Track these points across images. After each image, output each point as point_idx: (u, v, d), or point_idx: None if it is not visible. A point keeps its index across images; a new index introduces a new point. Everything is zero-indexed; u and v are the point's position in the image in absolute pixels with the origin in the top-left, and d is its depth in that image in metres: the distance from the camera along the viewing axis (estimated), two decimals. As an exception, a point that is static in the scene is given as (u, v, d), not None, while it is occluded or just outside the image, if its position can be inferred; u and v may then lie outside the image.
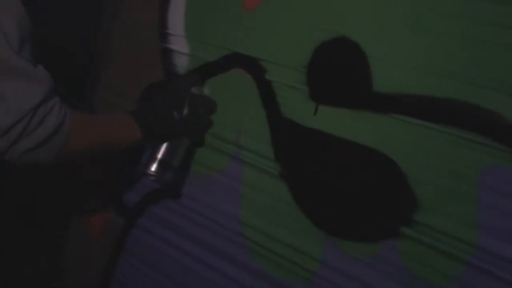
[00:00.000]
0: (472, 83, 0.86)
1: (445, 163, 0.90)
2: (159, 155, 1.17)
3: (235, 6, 1.15)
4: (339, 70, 1.02)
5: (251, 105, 1.15)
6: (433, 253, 0.93)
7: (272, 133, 1.13)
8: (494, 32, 0.83)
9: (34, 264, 1.57)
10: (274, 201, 1.13)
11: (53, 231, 1.63)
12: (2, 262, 1.25)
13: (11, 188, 1.38)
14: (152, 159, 1.17)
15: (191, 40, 1.25)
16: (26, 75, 0.82)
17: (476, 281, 0.89)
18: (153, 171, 1.17)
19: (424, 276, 0.94)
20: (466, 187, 0.88)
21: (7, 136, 0.80)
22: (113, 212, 1.48)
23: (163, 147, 1.16)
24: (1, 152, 0.81)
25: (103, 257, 1.51)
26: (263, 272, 1.16)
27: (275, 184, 1.12)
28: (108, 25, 1.43)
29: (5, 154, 0.82)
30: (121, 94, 1.39)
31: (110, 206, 1.49)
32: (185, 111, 1.11)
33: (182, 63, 1.27)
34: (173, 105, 1.11)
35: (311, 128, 1.06)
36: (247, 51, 1.15)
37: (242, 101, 1.16)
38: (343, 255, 1.04)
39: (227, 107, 1.19)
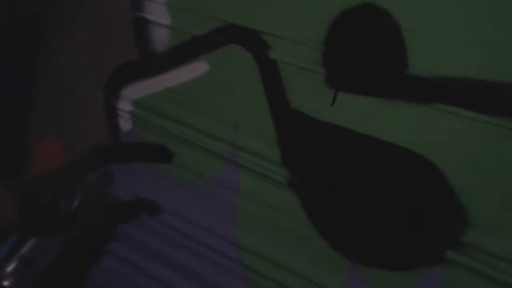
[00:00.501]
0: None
1: (504, 168, 0.88)
2: (23, 251, 1.14)
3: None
4: (364, 47, 0.99)
5: (251, 93, 1.12)
6: (486, 284, 0.91)
7: (277, 130, 1.10)
8: None
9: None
10: (280, 217, 1.10)
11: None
12: None
13: None
14: (12, 255, 1.13)
15: (173, 8, 1.23)
16: None
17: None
18: (9, 272, 1.12)
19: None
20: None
21: None
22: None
23: (31, 241, 1.14)
24: None
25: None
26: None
27: (282, 195, 1.10)
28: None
29: None
30: (86, 81, 1.37)
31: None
32: (75, 202, 1.13)
33: (161, 38, 1.25)
34: (63, 192, 1.13)
35: (328, 122, 1.03)
36: (245, 22, 1.12)
37: (238, 88, 1.14)
38: (371, 285, 1.02)
39: (219, 96, 1.16)
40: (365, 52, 0.99)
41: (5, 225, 1.04)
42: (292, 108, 1.08)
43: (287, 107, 1.08)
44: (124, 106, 1.32)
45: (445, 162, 0.93)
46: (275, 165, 1.10)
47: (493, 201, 0.89)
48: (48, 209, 1.08)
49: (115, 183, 1.34)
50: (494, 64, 0.86)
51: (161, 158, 1.27)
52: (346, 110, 1.02)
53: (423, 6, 0.92)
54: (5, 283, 1.11)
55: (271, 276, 1.12)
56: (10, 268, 1.11)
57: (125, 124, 1.33)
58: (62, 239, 1.14)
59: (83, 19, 1.38)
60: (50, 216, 1.08)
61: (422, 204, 0.95)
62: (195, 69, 1.20)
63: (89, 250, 1.25)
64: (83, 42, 1.38)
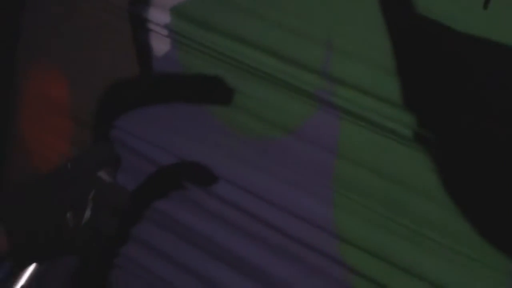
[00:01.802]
0: None
1: None
2: (23, 282, 1.12)
3: None
4: None
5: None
6: None
7: (396, 51, 1.07)
8: None
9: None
10: (403, 191, 1.08)
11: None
12: None
13: None
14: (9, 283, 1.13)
15: None
16: None
17: None
18: None
19: None
20: None
21: None
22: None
23: (32, 268, 1.12)
24: None
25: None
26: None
27: (405, 155, 1.08)
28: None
29: None
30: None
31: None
32: (87, 214, 1.09)
33: None
34: (67, 202, 1.07)
35: (479, 37, 1.00)
36: None
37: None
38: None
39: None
40: None
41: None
42: (418, 13, 1.03)
43: (411, 13, 1.04)
44: (158, 16, 1.30)
45: None
46: (393, 108, 1.06)
47: None
48: (49, 227, 1.10)
49: (151, 139, 1.34)
50: None
51: (215, 98, 1.25)
52: (508, 16, 0.97)
53: None
54: None
55: (384, 283, 1.10)
56: None
57: (160, 44, 1.31)
58: (72, 261, 1.15)
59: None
60: (53, 237, 1.10)
61: None
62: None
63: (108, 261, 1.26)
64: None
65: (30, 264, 1.11)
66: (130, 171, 1.39)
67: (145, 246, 1.35)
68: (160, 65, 1.32)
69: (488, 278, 1.03)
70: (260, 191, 1.23)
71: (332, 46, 1.12)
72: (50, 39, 1.41)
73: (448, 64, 1.03)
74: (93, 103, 1.39)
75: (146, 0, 1.30)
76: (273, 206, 1.20)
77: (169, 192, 1.33)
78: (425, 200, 1.07)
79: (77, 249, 1.11)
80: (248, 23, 1.20)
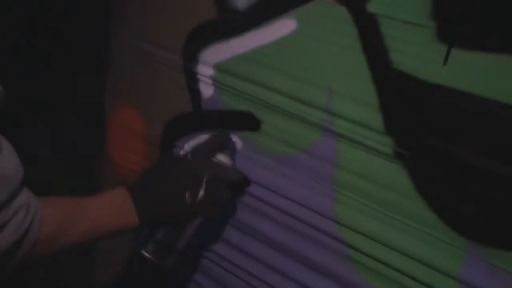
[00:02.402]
0: None
1: None
2: (159, 236, 1.08)
3: None
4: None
5: (346, 52, 1.02)
6: None
7: (379, 94, 1.00)
8: None
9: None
10: (386, 192, 1.01)
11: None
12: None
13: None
14: (150, 238, 1.09)
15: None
16: None
17: None
18: (150, 255, 1.09)
19: None
20: None
21: None
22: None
23: (166, 228, 1.09)
24: None
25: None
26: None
27: (386, 167, 1.00)
28: None
29: None
30: (161, 44, 1.30)
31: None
32: (201, 193, 1.04)
33: (240, -6, 1.15)
34: (187, 184, 1.04)
35: (440, 85, 0.92)
36: (337, -28, 1.00)
37: (332, 47, 1.03)
38: (492, 270, 0.92)
39: (310, 57, 1.06)
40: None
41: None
42: (396, 68, 0.96)
43: (390, 68, 0.97)
44: (205, 70, 1.23)
45: None
46: (377, 133, 1.00)
47: None
48: (171, 205, 1.04)
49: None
50: None
51: (247, 127, 1.18)
52: (463, 70, 0.89)
53: None
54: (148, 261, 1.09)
55: (374, 255, 1.03)
56: (150, 249, 1.09)
57: (207, 90, 1.24)
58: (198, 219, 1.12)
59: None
60: (174, 212, 1.05)
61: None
62: (281, 28, 1.10)
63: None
64: (156, 0, 1.30)
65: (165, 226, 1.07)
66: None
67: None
68: (207, 105, 1.25)
69: (449, 253, 0.96)
70: (282, 191, 1.16)
71: (333, 90, 1.05)
72: (129, 85, 1.36)
73: (417, 102, 0.95)
74: (160, 130, 1.32)
75: (196, 60, 1.23)
76: (291, 201, 1.14)
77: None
78: (401, 197, 1.00)
79: (192, 219, 1.09)
80: (271, 75, 1.13)
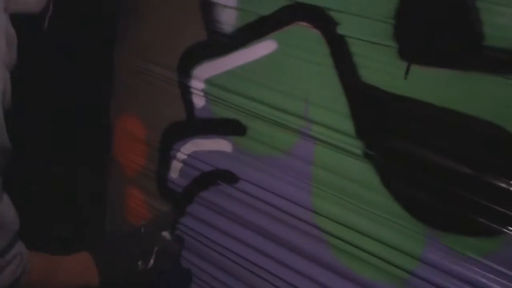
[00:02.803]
0: None
1: None
2: None
3: None
4: (438, 17, 0.84)
5: (320, 68, 0.99)
6: None
7: (350, 104, 0.97)
8: None
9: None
10: (356, 186, 0.98)
11: (90, 219, 1.56)
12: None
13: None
14: None
15: (238, -10, 1.09)
16: None
17: None
18: None
19: None
20: None
21: None
22: (157, 198, 1.37)
23: None
24: None
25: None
26: (344, 270, 1.03)
27: (358, 166, 0.98)
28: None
29: None
30: (159, 62, 1.26)
31: (153, 190, 1.39)
32: (151, 262, 1.06)
33: (229, 19, 1.11)
34: (140, 254, 1.05)
35: (401, 95, 0.90)
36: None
37: (308, 64, 1.00)
38: (449, 252, 0.90)
39: (289, 72, 1.03)
40: (437, 23, 0.84)
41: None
42: (363, 82, 0.94)
43: (358, 81, 0.94)
44: (197, 84, 1.20)
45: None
46: (349, 137, 0.98)
47: None
48: (127, 270, 1.05)
49: (196, 156, 1.23)
50: None
51: (235, 132, 1.15)
52: (420, 83, 0.88)
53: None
54: None
55: (348, 239, 1.01)
56: None
57: (199, 101, 1.21)
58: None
59: (152, 2, 1.25)
60: (128, 277, 1.06)
61: (504, 173, 0.80)
62: (263, 48, 1.07)
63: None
64: (153, 25, 1.26)
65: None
66: (182, 174, 1.30)
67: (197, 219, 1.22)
68: (199, 113, 1.21)
69: (411, 238, 0.94)
70: (266, 186, 1.13)
71: (309, 101, 1.01)
72: (132, 98, 1.32)
73: (383, 110, 0.93)
74: (158, 135, 1.28)
75: (190, 75, 1.20)
76: (274, 195, 1.11)
77: (208, 187, 1.21)
78: (370, 191, 0.98)
79: (143, 283, 1.08)
80: (255, 88, 1.10)
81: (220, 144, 1.20)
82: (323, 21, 0.97)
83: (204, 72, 1.18)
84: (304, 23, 1.00)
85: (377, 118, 0.94)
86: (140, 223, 1.20)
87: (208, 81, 1.17)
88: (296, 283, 1.10)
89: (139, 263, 1.05)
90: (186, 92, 1.23)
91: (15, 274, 0.78)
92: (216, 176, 1.22)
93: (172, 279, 1.29)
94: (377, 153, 0.95)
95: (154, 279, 1.10)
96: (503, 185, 0.82)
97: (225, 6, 1.10)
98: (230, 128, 1.16)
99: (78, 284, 0.98)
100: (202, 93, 1.19)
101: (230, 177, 1.18)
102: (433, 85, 0.87)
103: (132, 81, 1.33)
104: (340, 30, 0.95)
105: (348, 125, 0.98)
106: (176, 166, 1.30)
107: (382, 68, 0.92)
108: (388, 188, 0.95)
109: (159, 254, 1.08)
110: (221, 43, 1.13)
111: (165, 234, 1.14)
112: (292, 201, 1.09)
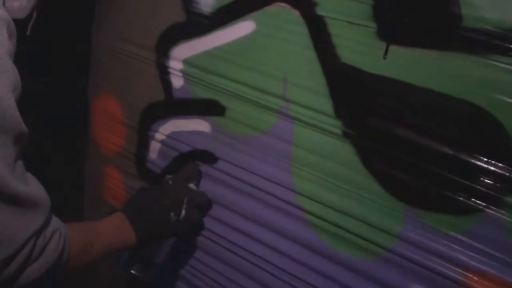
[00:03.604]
0: None
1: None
2: (143, 253, 1.14)
3: None
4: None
5: (299, 49, 0.98)
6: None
7: (328, 84, 0.97)
8: None
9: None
10: (336, 166, 0.99)
11: (68, 200, 1.54)
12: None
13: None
14: (134, 256, 1.13)
15: (217, -30, 1.07)
16: (20, 201, 0.71)
17: None
18: (135, 272, 1.16)
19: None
20: None
21: (6, 270, 0.71)
22: (136, 178, 1.36)
23: (150, 245, 1.11)
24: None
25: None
26: (326, 248, 1.04)
27: (337, 145, 0.98)
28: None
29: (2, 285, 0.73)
30: (138, 43, 1.23)
31: (131, 171, 1.37)
32: (183, 212, 1.07)
33: (207, 0, 1.10)
34: (171, 206, 1.06)
35: (380, 75, 0.90)
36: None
37: (287, 44, 1.00)
38: (427, 229, 0.91)
39: (267, 52, 1.03)
40: (415, 4, 0.84)
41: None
42: (342, 62, 0.93)
43: (337, 62, 0.94)
44: (175, 65, 1.18)
45: (503, 111, 0.79)
46: (328, 117, 0.97)
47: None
48: (160, 223, 1.06)
49: (175, 136, 1.23)
50: None
51: (214, 112, 1.14)
52: (399, 63, 0.88)
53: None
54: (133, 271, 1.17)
55: (328, 219, 1.01)
56: (135, 267, 1.18)
57: (177, 81, 1.19)
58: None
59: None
60: (163, 229, 1.07)
61: (480, 151, 0.82)
62: (242, 28, 1.07)
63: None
64: (131, 5, 1.23)
65: (152, 242, 1.07)
66: (161, 155, 1.29)
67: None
68: (178, 94, 1.20)
69: (390, 216, 0.95)
70: (245, 166, 1.12)
71: (288, 81, 1.01)
72: (109, 78, 1.29)
73: (361, 90, 0.93)
74: (137, 116, 1.26)
75: (168, 56, 1.18)
76: (254, 175, 1.10)
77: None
78: (350, 170, 0.98)
79: (175, 235, 1.12)
80: (234, 69, 1.09)
81: (199, 125, 1.18)
82: (302, 2, 0.97)
83: (182, 53, 1.16)
84: (283, 4, 1.00)
85: (356, 98, 0.94)
86: (165, 177, 1.20)
87: (187, 62, 1.16)
88: (277, 263, 1.11)
89: (171, 214, 1.05)
90: (164, 73, 1.21)
91: (57, 250, 0.78)
92: (195, 157, 1.21)
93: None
94: (356, 132, 0.95)
95: (187, 229, 1.11)
96: (481, 163, 0.83)
97: (203, -14, 1.08)
98: (209, 108, 1.15)
99: (117, 245, 0.98)
100: (180, 74, 1.18)
101: (209, 158, 1.18)
102: (412, 65, 0.87)
103: (110, 62, 1.31)
104: (319, 11, 0.95)
105: (327, 105, 0.98)
106: (154, 147, 1.29)
107: (361, 48, 0.92)
108: (368, 167, 0.96)
109: (189, 204, 1.09)
110: (199, 24, 1.12)
111: (192, 185, 1.14)
112: (272, 181, 1.09)
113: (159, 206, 1.06)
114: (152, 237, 1.05)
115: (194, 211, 1.10)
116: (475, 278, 0.86)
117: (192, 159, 1.20)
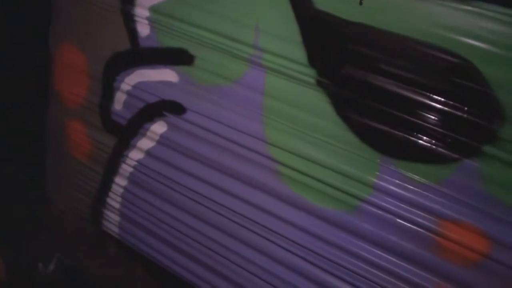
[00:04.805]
0: None
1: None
2: None
3: None
4: None
5: (272, -6, 0.94)
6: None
7: (302, 31, 0.93)
8: None
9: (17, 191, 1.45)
10: (310, 115, 0.96)
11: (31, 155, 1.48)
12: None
13: None
14: None
15: None
16: None
17: None
18: None
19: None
20: None
21: None
22: (100, 131, 1.30)
23: None
24: None
25: (92, 182, 1.37)
26: (299, 200, 1.02)
27: (310, 94, 0.95)
28: None
29: None
30: None
31: (96, 123, 1.32)
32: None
33: None
34: None
35: (356, 22, 0.87)
36: None
37: (258, -11, 0.95)
38: (403, 179, 0.90)
39: (239, -2, 0.98)
40: None
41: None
42: (316, 8, 0.89)
43: (311, 8, 0.90)
44: (141, 12, 1.12)
45: (481, 59, 0.76)
46: (301, 65, 0.94)
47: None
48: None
49: (141, 86, 1.17)
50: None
51: (182, 61, 1.09)
52: (376, 9, 0.84)
53: None
54: None
55: (302, 169, 0.99)
56: None
57: (144, 29, 1.13)
58: None
59: None
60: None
61: (456, 99, 0.80)
62: None
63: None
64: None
65: None
66: (126, 106, 1.23)
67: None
68: (144, 42, 1.14)
69: (365, 166, 0.93)
70: (215, 117, 1.08)
71: (260, 29, 0.96)
72: (71, 27, 1.22)
73: (335, 38, 0.89)
74: (101, 66, 1.20)
75: (133, 3, 1.11)
76: (225, 126, 1.06)
77: (154, 118, 1.16)
78: (323, 120, 0.95)
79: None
80: (203, 16, 1.04)
81: (167, 74, 1.13)
82: None
83: (148, -1, 1.10)
84: None
85: (330, 46, 0.90)
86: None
87: (153, 9, 1.10)
88: (250, 215, 1.08)
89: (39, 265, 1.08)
90: (129, 20, 1.15)
91: None
92: (162, 107, 1.16)
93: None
94: (330, 81, 0.92)
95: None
96: (458, 112, 0.81)
97: None
98: (177, 57, 1.11)
99: None
100: (146, 21, 1.12)
101: (177, 108, 1.13)
102: (389, 12, 0.84)
103: (71, 10, 1.23)
104: (292, -45, 0.90)
105: (300, 53, 0.94)
106: (120, 98, 1.23)
107: (336, -6, 0.87)
108: (342, 116, 0.93)
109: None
110: (166, -32, 1.05)
111: None
112: (243, 132, 1.05)
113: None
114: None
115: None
116: (450, 227, 0.85)
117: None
